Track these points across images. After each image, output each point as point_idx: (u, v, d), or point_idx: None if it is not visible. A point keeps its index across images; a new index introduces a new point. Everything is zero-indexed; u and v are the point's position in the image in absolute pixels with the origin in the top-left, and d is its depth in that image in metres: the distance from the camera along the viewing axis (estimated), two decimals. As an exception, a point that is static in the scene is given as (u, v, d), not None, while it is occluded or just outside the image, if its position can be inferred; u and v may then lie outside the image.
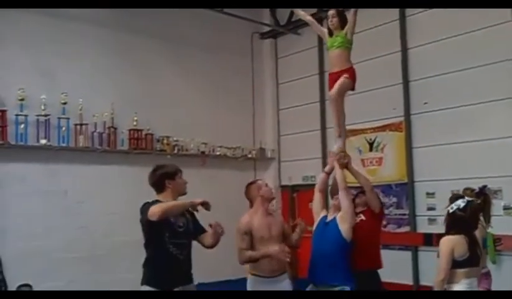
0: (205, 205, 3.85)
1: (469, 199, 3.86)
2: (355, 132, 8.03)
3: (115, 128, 7.43)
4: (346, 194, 4.55)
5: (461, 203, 3.73)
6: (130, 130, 7.61)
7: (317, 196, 4.88)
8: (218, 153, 8.55)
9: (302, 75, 9.02)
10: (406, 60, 7.56)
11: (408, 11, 7.57)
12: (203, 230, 4.02)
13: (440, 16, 7.10)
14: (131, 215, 5.98)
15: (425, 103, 7.28)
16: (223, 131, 8.61)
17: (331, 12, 4.76)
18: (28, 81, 6.72)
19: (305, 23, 8.85)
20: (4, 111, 6.48)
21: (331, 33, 4.81)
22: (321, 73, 8.66)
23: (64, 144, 6.94)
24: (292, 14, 9.07)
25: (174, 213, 3.79)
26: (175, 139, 8.07)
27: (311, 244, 4.56)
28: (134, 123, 7.61)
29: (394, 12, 7.65)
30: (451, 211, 3.75)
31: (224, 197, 6.73)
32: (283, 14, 9.27)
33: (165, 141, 7.95)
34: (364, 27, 7.97)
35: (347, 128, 7.87)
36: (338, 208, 4.58)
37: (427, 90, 7.28)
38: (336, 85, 4.66)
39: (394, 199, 7.60)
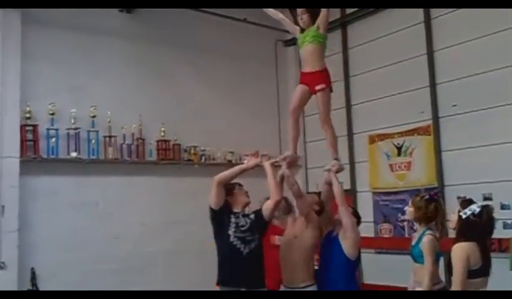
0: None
1: (484, 203, 3.69)
2: (382, 137, 7.97)
3: (143, 139, 7.53)
4: (346, 209, 4.55)
5: (475, 208, 3.57)
6: (158, 141, 7.70)
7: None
8: (245, 161, 8.54)
9: (327, 80, 8.98)
10: (433, 62, 7.45)
11: (433, 13, 7.47)
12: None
13: (466, 17, 6.99)
14: (161, 225, 6.09)
15: (454, 106, 7.16)
16: (249, 139, 8.62)
17: (300, 9, 4.61)
18: (58, 96, 6.88)
19: (329, 29, 8.88)
20: (35, 126, 6.63)
21: (302, 30, 4.67)
22: (346, 78, 8.62)
23: (94, 157, 7.06)
24: (316, 20, 9.09)
25: (229, 178, 4.43)
26: (202, 148, 8.13)
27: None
28: (162, 134, 7.70)
29: (419, 15, 7.57)
30: (464, 216, 3.58)
31: (252, 205, 6.73)
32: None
33: (192, 151, 8.02)
34: (389, 31, 7.97)
35: (375, 132, 8.00)
36: (341, 223, 4.58)
37: (455, 92, 7.16)
38: (321, 109, 4.56)
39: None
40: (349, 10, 8.60)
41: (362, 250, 5.12)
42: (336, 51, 8.78)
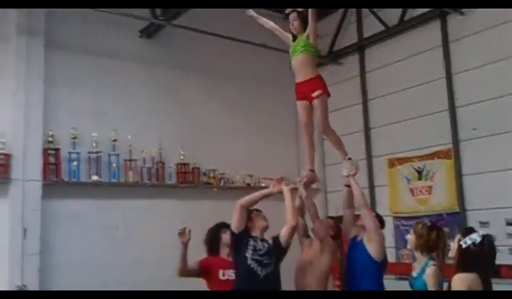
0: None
1: (485, 233, 3.51)
2: (402, 160, 7.92)
3: (163, 163, 7.58)
4: (368, 212, 4.53)
5: (476, 237, 3.40)
6: (177, 164, 7.75)
7: (346, 214, 4.85)
8: (263, 185, 8.56)
9: (345, 104, 8.97)
10: (451, 85, 7.43)
11: (451, 36, 7.48)
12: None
13: (485, 39, 6.99)
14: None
15: (474, 129, 7.11)
16: (267, 162, 8.63)
17: (292, 15, 4.58)
18: (80, 120, 6.97)
19: (346, 53, 8.99)
20: (57, 150, 6.73)
21: (295, 38, 4.62)
22: (364, 102, 8.62)
23: (114, 180, 7.12)
24: (333, 44, 9.15)
25: (253, 202, 4.53)
26: (221, 172, 8.15)
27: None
28: (181, 157, 7.75)
29: (437, 38, 7.59)
30: (464, 246, 3.40)
31: (270, 230, 6.71)
32: (323, 44, 9.33)
33: (211, 174, 8.05)
34: (407, 54, 7.98)
35: (395, 155, 7.95)
36: (363, 228, 4.55)
37: (475, 116, 7.11)
38: (320, 116, 4.53)
39: (446, 229, 7.35)
40: (366, 34, 8.65)
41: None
42: (354, 74, 8.83)
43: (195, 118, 8.06)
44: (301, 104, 4.65)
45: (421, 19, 7.74)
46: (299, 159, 9.22)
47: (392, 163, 8.09)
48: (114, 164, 7.13)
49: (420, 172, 7.72)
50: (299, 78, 4.55)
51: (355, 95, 8.79)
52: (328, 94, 4.64)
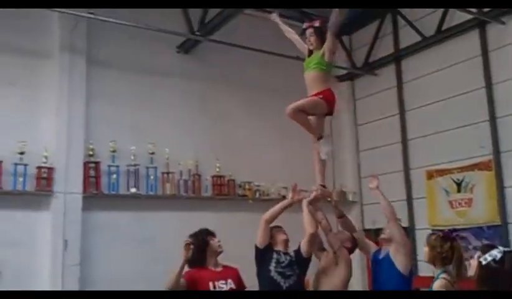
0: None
1: (507, 249, 3.29)
2: (441, 172, 7.78)
3: (199, 175, 7.68)
4: (396, 223, 4.44)
5: (496, 253, 3.20)
6: (213, 177, 7.83)
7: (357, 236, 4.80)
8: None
9: (382, 115, 8.91)
10: (491, 95, 7.28)
11: (491, 45, 7.34)
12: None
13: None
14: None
15: (516, 140, 6.93)
16: (302, 174, 8.52)
17: (309, 31, 4.51)
18: (119, 134, 7.14)
19: (382, 64, 8.92)
20: (97, 163, 6.92)
21: (310, 53, 4.56)
22: (402, 112, 8.52)
23: (152, 192, 7.25)
24: (369, 55, 9.09)
25: (276, 215, 4.59)
26: (256, 184, 8.18)
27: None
28: (217, 170, 7.83)
29: (476, 47, 7.45)
30: (484, 263, 3.20)
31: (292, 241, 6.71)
32: (359, 56, 9.30)
33: (246, 187, 8.09)
34: (444, 64, 7.86)
35: (433, 167, 7.80)
36: (388, 241, 4.46)
37: (517, 126, 6.95)
38: (299, 100, 4.36)
39: (486, 242, 7.17)
40: (403, 45, 8.57)
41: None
42: (390, 85, 8.75)
43: (231, 131, 8.14)
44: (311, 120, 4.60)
45: (460, 29, 7.63)
46: (334, 169, 9.18)
47: (430, 175, 7.95)
48: (151, 177, 7.27)
49: (459, 184, 7.56)
50: (310, 93, 4.52)
51: (392, 106, 8.70)
52: (329, 103, 4.46)
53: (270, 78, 8.63)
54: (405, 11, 8.47)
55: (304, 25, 4.68)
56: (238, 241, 7.55)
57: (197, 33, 7.48)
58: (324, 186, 4.74)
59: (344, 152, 9.38)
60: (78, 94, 6.91)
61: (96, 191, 6.83)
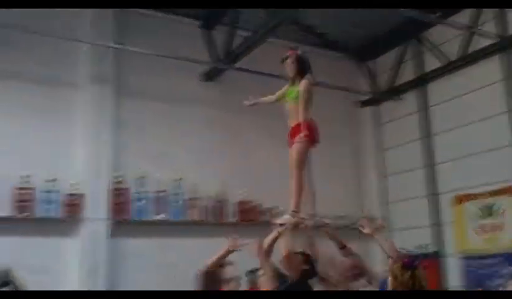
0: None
1: None
2: (469, 197, 7.63)
3: (225, 201, 7.73)
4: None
5: None
6: (239, 202, 7.87)
7: None
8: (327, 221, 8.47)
9: (408, 139, 8.84)
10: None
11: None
12: None
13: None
14: (242, 288, 6.06)
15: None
16: (327, 200, 8.52)
17: (290, 59, 4.54)
18: (146, 161, 7.27)
19: (407, 89, 8.89)
20: (125, 190, 7.04)
21: (293, 81, 4.58)
22: (428, 136, 8.44)
23: (178, 218, 7.33)
24: (393, 80, 9.07)
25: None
26: (281, 209, 8.15)
27: None
28: (242, 196, 7.87)
29: (498, 72, 7.40)
30: None
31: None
32: (382, 81, 9.30)
33: (272, 212, 8.07)
34: (470, 88, 7.79)
35: (462, 192, 7.66)
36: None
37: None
38: (294, 156, 4.39)
39: (519, 269, 7.00)
40: (427, 68, 8.54)
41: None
42: (415, 110, 8.69)
43: (256, 157, 8.19)
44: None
45: (483, 53, 7.58)
46: (361, 195, 9.13)
47: (458, 200, 7.81)
48: (178, 203, 7.35)
49: (489, 209, 7.40)
50: (290, 123, 4.57)
51: (418, 130, 8.64)
52: (313, 140, 4.55)
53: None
54: (429, 35, 8.47)
55: (286, 55, 4.71)
56: (263, 267, 7.56)
57: (221, 61, 7.62)
58: (296, 211, 4.56)
59: (370, 177, 9.32)
60: (105, 123, 7.11)
61: (124, 217, 6.94)
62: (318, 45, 8.97)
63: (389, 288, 3.57)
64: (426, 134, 8.47)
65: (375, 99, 9.43)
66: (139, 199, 7.11)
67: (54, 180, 6.57)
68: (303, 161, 4.54)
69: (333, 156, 8.87)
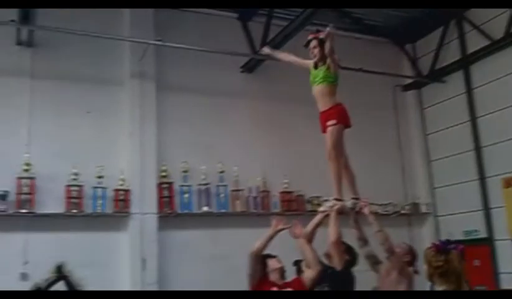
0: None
1: None
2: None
3: (268, 192, 7.77)
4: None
5: None
6: (281, 192, 7.89)
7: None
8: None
9: (452, 123, 8.64)
10: None
11: None
12: None
13: None
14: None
15: None
16: (372, 187, 8.42)
17: (313, 42, 4.42)
18: (189, 154, 7.38)
19: (450, 71, 8.68)
20: (171, 184, 7.17)
21: (316, 65, 4.45)
22: (473, 119, 8.23)
23: (223, 210, 7.41)
24: (435, 62, 8.88)
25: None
26: (325, 199, 8.12)
27: None
28: (285, 186, 7.88)
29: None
30: None
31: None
32: (424, 64, 9.10)
33: (315, 202, 8.06)
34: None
35: (510, 175, 7.44)
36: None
37: None
38: (328, 145, 4.34)
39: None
40: (469, 50, 8.31)
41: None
42: (459, 92, 8.49)
43: (297, 147, 8.17)
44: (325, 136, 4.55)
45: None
46: (405, 182, 8.99)
47: (508, 182, 7.60)
48: (222, 195, 7.43)
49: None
50: (320, 108, 4.53)
51: (462, 113, 8.43)
52: (346, 125, 4.49)
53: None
54: (470, 15, 8.23)
55: (309, 37, 4.62)
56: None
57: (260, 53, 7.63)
58: (340, 199, 4.66)
59: (414, 162, 9.17)
60: (149, 119, 7.23)
61: (170, 211, 7.07)
62: (357, 31, 8.86)
63: (425, 276, 3.42)
64: (472, 116, 8.26)
65: (417, 83, 9.25)
66: (184, 192, 7.22)
67: (102, 176, 6.75)
68: (338, 147, 4.50)
69: (377, 143, 8.79)
